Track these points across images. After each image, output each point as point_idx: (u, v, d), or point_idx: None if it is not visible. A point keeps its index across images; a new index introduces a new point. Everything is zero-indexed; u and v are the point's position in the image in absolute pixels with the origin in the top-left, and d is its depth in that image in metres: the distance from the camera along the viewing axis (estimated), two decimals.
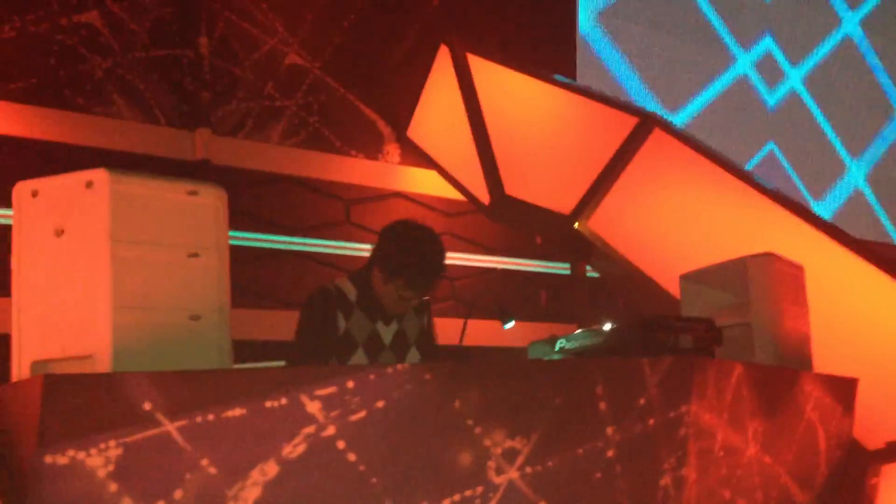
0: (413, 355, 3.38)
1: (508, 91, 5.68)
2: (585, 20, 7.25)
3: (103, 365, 2.18)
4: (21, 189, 2.36)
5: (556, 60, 6.74)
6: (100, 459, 2.07)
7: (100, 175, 2.29)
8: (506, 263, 6.21)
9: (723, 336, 2.99)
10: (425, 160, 6.00)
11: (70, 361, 2.20)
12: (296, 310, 5.37)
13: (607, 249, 5.19)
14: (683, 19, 7.94)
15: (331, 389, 2.26)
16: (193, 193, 2.44)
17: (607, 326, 3.00)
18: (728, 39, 8.27)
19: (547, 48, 6.79)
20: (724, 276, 3.71)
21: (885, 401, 4.11)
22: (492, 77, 5.72)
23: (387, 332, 3.33)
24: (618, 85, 7.36)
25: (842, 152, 8.91)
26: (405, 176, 6.06)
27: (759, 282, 3.58)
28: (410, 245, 3.23)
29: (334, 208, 5.78)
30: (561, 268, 6.51)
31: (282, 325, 5.31)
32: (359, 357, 3.26)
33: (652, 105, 7.48)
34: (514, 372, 2.56)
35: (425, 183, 6.05)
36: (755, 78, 8.45)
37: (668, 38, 7.78)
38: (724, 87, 8.18)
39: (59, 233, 2.28)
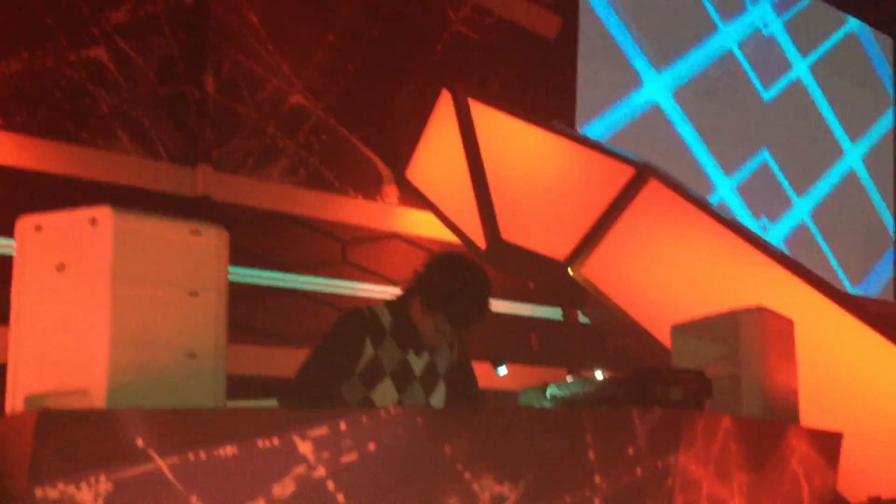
0: (441, 390, 3.30)
1: (508, 137, 5.76)
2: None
3: (98, 400, 2.21)
4: (25, 223, 2.40)
5: (557, 107, 6.83)
6: (90, 494, 2.09)
7: (104, 212, 2.33)
8: (497, 307, 6.24)
9: (713, 388, 3.02)
10: (423, 202, 6.06)
11: (65, 396, 2.23)
12: (289, 346, 5.43)
13: (600, 296, 5.24)
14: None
15: (323, 431, 2.29)
16: (196, 233, 2.48)
17: (598, 374, 3.04)
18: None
19: (547, 94, 6.88)
20: (714, 328, 3.75)
21: (869, 455, 4.14)
22: (492, 123, 5.80)
23: (418, 363, 3.24)
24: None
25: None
26: (402, 217, 6.12)
27: (748, 335, 3.61)
28: (457, 279, 3.15)
29: (331, 247, 5.83)
30: (553, 313, 6.55)
31: (275, 361, 5.36)
32: (386, 386, 3.17)
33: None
34: (504, 419, 2.59)
35: (422, 225, 6.11)
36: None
37: None
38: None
39: (61, 268, 2.32)
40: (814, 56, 9.39)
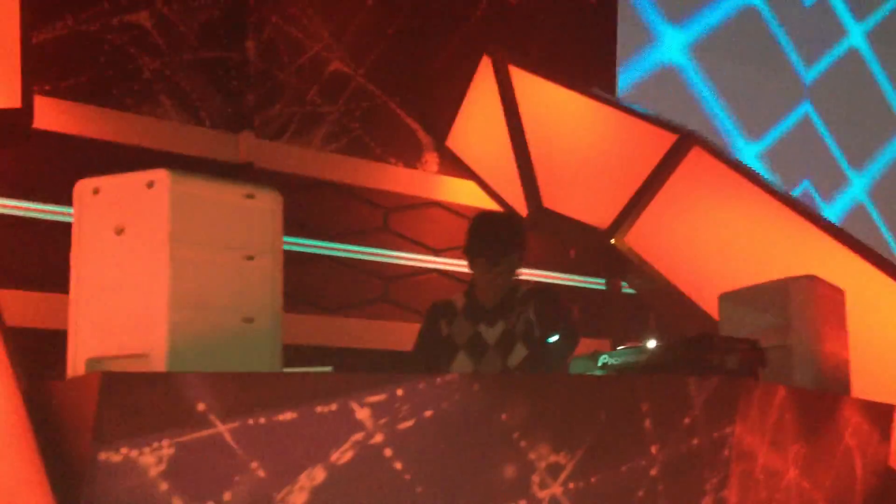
0: (519, 351, 3.47)
1: (549, 104, 5.69)
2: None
3: (158, 364, 2.21)
4: (82, 187, 2.40)
5: (597, 72, 6.75)
6: (152, 458, 2.09)
7: (161, 175, 2.32)
8: (539, 276, 6.20)
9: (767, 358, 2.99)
10: (463, 170, 6.01)
11: (125, 359, 2.23)
12: (330, 314, 5.46)
13: (644, 266, 5.19)
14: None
15: (381, 397, 2.28)
16: (250, 196, 2.47)
17: (651, 343, 3.00)
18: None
19: (587, 60, 6.80)
20: (764, 297, 3.71)
21: None
22: (533, 89, 5.73)
23: (490, 333, 3.48)
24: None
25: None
26: (443, 185, 6.08)
27: (800, 304, 3.57)
28: (478, 226, 3.55)
29: (373, 215, 5.80)
30: (596, 283, 6.50)
31: (316, 329, 5.37)
32: (461, 359, 3.47)
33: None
34: (561, 386, 2.57)
35: (463, 193, 6.07)
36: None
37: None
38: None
39: (119, 231, 2.31)
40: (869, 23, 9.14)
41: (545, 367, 3.42)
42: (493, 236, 3.50)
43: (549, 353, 3.46)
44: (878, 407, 3.60)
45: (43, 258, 4.50)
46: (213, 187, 2.43)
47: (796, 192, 8.20)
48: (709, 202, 5.12)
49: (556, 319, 3.51)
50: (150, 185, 2.33)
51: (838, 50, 8.94)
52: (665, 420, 2.59)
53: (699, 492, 2.65)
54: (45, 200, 4.60)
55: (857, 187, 8.90)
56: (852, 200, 8.84)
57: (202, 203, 2.38)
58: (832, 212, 8.52)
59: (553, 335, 3.44)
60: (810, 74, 8.71)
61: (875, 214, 8.97)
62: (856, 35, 9.07)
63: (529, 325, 3.49)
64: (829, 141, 8.70)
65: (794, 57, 8.43)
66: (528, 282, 3.69)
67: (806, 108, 8.51)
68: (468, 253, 3.53)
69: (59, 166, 4.58)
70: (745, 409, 2.72)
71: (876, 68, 9.19)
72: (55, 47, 4.83)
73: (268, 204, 2.53)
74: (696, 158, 5.23)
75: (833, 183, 8.70)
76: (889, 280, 4.48)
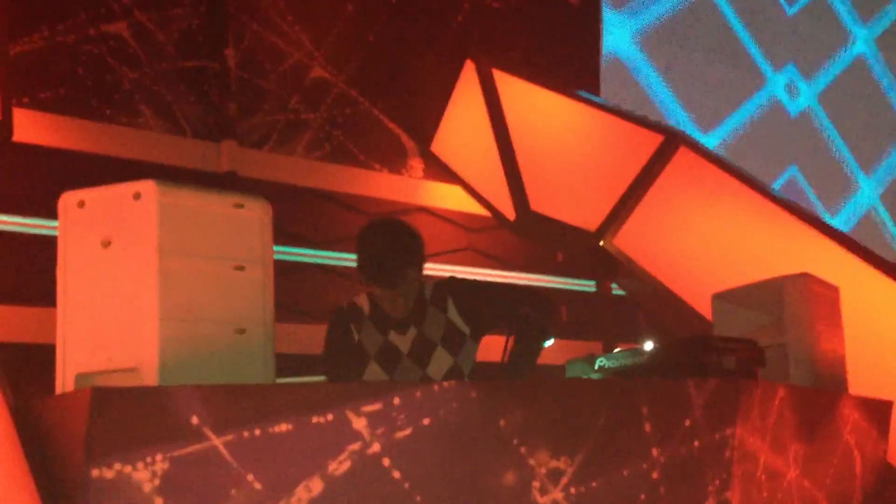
0: (441, 357, 3.18)
1: (534, 107, 5.67)
2: (622, 40, 7.27)
3: (149, 378, 2.15)
4: (67, 199, 2.34)
5: (581, 78, 6.73)
6: (146, 473, 2.04)
7: (148, 187, 2.27)
8: (529, 279, 6.17)
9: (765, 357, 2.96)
10: (449, 175, 5.98)
11: (116, 374, 2.17)
12: (316, 323, 5.38)
13: (633, 267, 5.17)
14: (714, 39, 7.94)
15: (377, 406, 2.23)
16: (239, 206, 2.43)
17: (647, 346, 2.97)
18: (759, 60, 8.28)
19: (571, 65, 6.78)
20: (758, 296, 3.68)
21: None
22: (517, 93, 5.71)
23: (403, 341, 3.18)
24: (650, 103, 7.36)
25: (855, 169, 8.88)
26: (428, 191, 6.04)
27: (795, 302, 3.55)
28: (358, 243, 3.14)
29: (357, 222, 5.75)
30: (586, 285, 6.48)
31: (302, 338, 5.31)
32: (372, 369, 3.17)
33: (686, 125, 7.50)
34: (559, 391, 2.53)
35: (448, 198, 6.03)
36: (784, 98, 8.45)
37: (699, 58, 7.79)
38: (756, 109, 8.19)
39: (106, 244, 2.26)
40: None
41: (521, 365, 3.17)
42: (382, 259, 3.08)
43: (521, 350, 3.19)
44: (876, 403, 3.58)
45: (25, 272, 4.43)
46: (201, 197, 2.38)
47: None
48: (697, 202, 5.10)
49: (487, 307, 3.22)
50: (137, 196, 2.28)
51: (846, 57, 8.94)
52: (665, 422, 2.55)
53: (702, 494, 2.61)
54: (25, 213, 4.52)
55: (867, 193, 8.90)
56: (859, 206, 8.84)
57: (190, 214, 2.33)
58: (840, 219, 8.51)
59: (521, 331, 3.17)
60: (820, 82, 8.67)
61: (887, 217, 8.99)
62: (861, 41, 9.07)
63: (451, 328, 3.20)
64: (839, 142, 8.69)
65: (753, 49, 8.36)
66: (430, 277, 3.30)
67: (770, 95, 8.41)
68: (361, 278, 3.14)
69: (39, 179, 4.52)
70: (746, 410, 2.69)
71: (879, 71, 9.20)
72: (33, 59, 4.77)
73: (257, 213, 2.48)
74: (683, 158, 5.21)
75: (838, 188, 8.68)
76: (881, 275, 4.47)
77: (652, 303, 5.35)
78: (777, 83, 8.43)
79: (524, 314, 3.24)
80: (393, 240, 3.14)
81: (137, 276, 2.22)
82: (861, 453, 3.42)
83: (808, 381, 3.42)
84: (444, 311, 3.21)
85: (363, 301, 3.25)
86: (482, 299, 3.27)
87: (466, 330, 3.21)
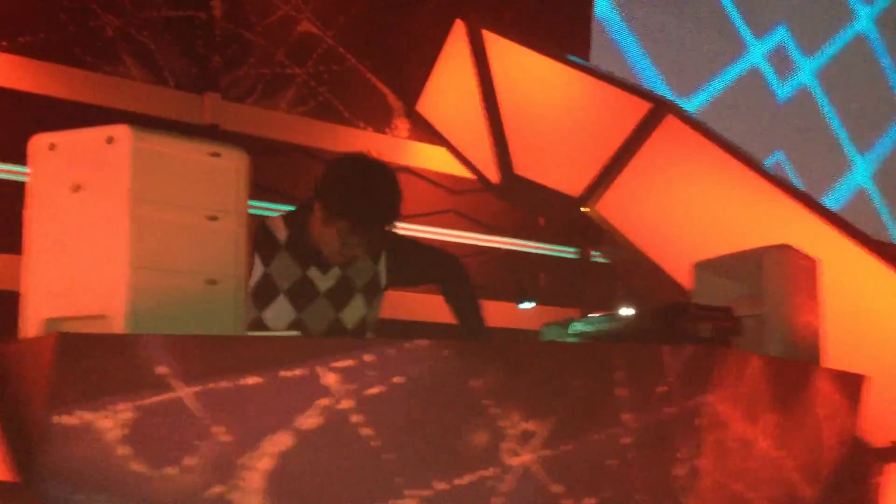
0: (357, 304, 3.00)
1: (523, 70, 5.62)
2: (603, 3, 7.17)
3: (118, 326, 2.12)
4: (38, 142, 2.29)
5: (571, 41, 6.67)
6: (110, 422, 2.02)
7: (122, 131, 2.22)
8: (510, 244, 6.16)
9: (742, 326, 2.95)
10: (434, 136, 5.94)
11: (83, 321, 2.14)
12: None
13: (615, 235, 5.16)
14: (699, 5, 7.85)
15: (348, 362, 2.22)
16: (215, 155, 2.38)
17: (623, 311, 2.96)
18: (742, 29, 8.19)
19: (562, 28, 6.72)
20: (738, 266, 3.66)
21: (893, 399, 4.08)
22: (507, 55, 5.65)
23: (323, 280, 2.96)
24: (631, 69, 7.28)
25: (848, 149, 8.85)
26: (413, 151, 6.00)
27: (774, 273, 3.53)
28: (361, 182, 2.83)
29: None
30: (568, 252, 6.47)
31: None
32: (280, 304, 2.92)
33: (663, 91, 7.40)
34: (533, 353, 2.52)
35: (433, 159, 6.00)
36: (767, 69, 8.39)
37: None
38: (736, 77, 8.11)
39: (77, 188, 2.22)
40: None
41: (480, 321, 3.17)
42: (389, 219, 2.84)
43: (472, 308, 3.18)
44: (849, 377, 3.58)
45: None
46: (177, 145, 2.33)
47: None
48: (682, 171, 5.09)
49: (417, 268, 3.09)
50: (110, 140, 2.22)
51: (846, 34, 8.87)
52: (639, 389, 2.54)
53: (672, 461, 2.61)
54: (2, 160, 4.47)
55: (861, 172, 8.87)
56: (855, 185, 8.81)
57: (165, 161, 2.28)
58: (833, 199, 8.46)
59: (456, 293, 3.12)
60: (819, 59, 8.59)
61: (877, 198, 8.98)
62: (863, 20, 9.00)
63: (375, 278, 3.01)
64: (835, 122, 8.64)
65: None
66: None
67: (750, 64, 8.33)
68: (330, 205, 2.79)
69: (16, 124, 4.45)
70: (720, 378, 2.68)
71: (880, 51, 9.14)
72: (13, 3, 4.69)
73: (233, 163, 2.43)
74: (670, 126, 5.18)
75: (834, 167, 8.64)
76: (865, 252, 4.47)
77: (633, 271, 5.35)
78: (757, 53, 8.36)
79: (452, 274, 3.18)
80: (398, 192, 2.90)
81: (108, 223, 2.18)
82: (831, 426, 3.43)
83: (784, 352, 3.41)
84: (375, 262, 3.05)
85: (278, 226, 2.98)
86: (415, 259, 3.15)
87: (384, 283, 3.07)
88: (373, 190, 2.84)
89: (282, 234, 2.98)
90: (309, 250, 2.96)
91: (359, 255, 2.97)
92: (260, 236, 2.94)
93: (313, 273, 2.97)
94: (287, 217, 3.02)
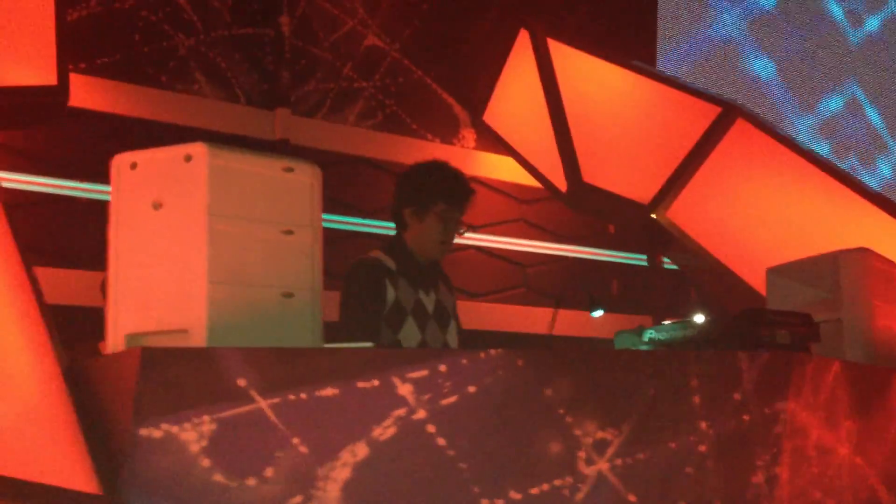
0: (454, 329, 3.28)
1: (588, 77, 5.61)
2: None
3: (198, 339, 2.17)
4: (120, 161, 2.35)
5: (636, 47, 6.63)
6: (193, 434, 2.06)
7: (198, 149, 2.27)
8: (580, 252, 6.13)
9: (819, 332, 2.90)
10: (501, 145, 5.95)
11: (165, 335, 2.19)
12: None
13: (686, 241, 5.11)
14: None
15: (423, 373, 2.23)
16: (289, 170, 2.42)
17: (698, 318, 2.93)
18: None
19: (627, 31, 6.68)
20: (813, 270, 3.61)
21: None
22: (572, 62, 5.65)
23: (428, 301, 3.22)
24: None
25: None
26: (480, 161, 6.02)
27: (851, 277, 3.47)
28: (438, 168, 3.25)
29: None
30: (638, 259, 6.42)
31: None
32: (409, 326, 3.15)
33: None
34: (607, 361, 2.51)
35: (500, 169, 6.00)
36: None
37: None
38: None
39: (157, 206, 2.27)
40: None
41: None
42: (461, 178, 3.25)
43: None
44: None
45: (80, 236, 4.50)
46: (251, 161, 2.38)
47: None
48: (753, 175, 5.02)
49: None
50: (188, 158, 2.28)
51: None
52: (715, 396, 2.52)
53: (750, 468, 2.57)
54: (81, 178, 4.60)
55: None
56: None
57: (240, 177, 2.33)
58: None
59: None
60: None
61: None
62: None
63: (454, 302, 3.33)
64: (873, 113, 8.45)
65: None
66: None
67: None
68: (421, 199, 3.16)
69: (94, 144, 4.58)
70: (798, 385, 2.64)
71: None
72: (90, 25, 4.82)
73: (307, 178, 2.47)
74: (740, 131, 5.13)
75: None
76: None
77: (704, 277, 5.29)
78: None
79: None
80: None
81: (187, 239, 2.23)
82: None
83: (863, 357, 3.35)
84: (451, 291, 3.33)
85: (385, 258, 3.21)
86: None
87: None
88: (450, 170, 3.23)
89: (390, 263, 3.19)
90: (415, 272, 3.20)
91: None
92: (380, 268, 3.17)
93: (422, 295, 3.21)
94: (385, 248, 3.26)
